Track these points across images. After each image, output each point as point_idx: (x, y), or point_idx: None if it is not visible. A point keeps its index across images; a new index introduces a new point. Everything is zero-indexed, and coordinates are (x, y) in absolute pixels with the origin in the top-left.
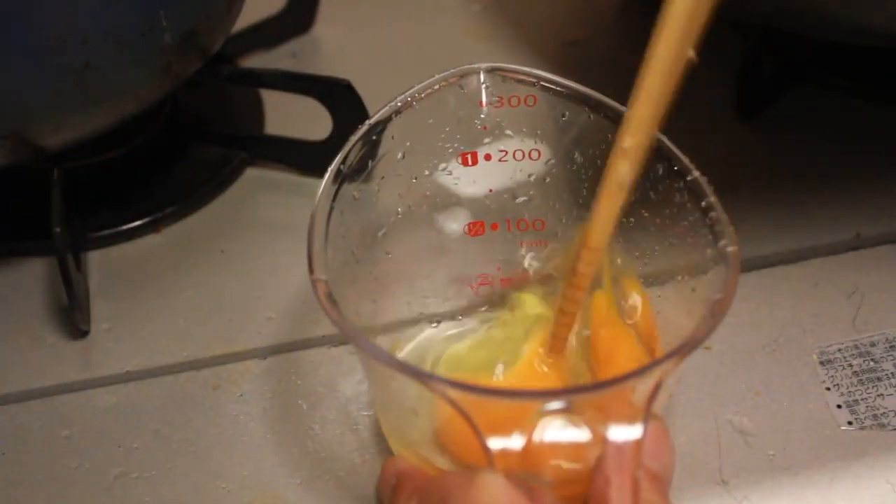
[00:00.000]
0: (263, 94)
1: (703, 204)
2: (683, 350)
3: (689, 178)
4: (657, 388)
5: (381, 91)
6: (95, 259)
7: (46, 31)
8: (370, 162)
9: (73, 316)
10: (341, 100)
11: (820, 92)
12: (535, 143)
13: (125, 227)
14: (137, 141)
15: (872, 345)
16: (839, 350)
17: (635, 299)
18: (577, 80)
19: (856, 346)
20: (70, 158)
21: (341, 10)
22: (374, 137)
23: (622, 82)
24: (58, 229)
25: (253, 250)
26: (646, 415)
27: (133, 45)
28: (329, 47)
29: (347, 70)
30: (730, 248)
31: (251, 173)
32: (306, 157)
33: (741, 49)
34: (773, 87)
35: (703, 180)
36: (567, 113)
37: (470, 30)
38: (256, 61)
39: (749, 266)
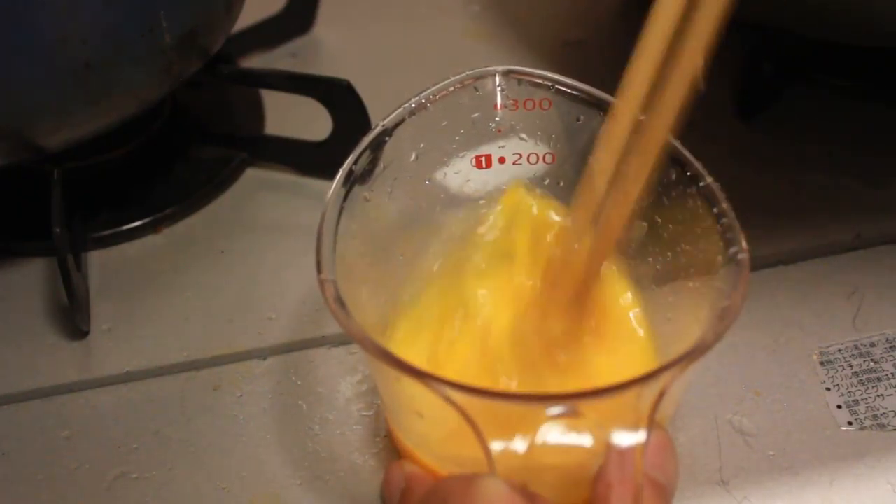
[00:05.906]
0: (263, 94)
1: (716, 210)
2: (690, 356)
3: (701, 184)
4: (662, 394)
5: (381, 91)
6: (95, 259)
7: (46, 31)
8: (382, 163)
9: (73, 316)
10: (341, 100)
11: (820, 92)
12: (550, 146)
13: (125, 227)
14: (137, 141)
15: (872, 345)
16: (839, 350)
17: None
18: (577, 81)
19: (856, 346)
20: (70, 159)
21: (341, 10)
22: (386, 139)
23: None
24: (58, 229)
25: (253, 250)
26: (650, 421)
27: (133, 45)
28: (329, 47)
29: (347, 70)
30: (740, 255)
31: (251, 173)
32: (306, 157)
33: (741, 49)
34: (773, 87)
35: (715, 186)
36: (582, 117)
37: (470, 30)
38: (256, 61)
39: (749, 266)
